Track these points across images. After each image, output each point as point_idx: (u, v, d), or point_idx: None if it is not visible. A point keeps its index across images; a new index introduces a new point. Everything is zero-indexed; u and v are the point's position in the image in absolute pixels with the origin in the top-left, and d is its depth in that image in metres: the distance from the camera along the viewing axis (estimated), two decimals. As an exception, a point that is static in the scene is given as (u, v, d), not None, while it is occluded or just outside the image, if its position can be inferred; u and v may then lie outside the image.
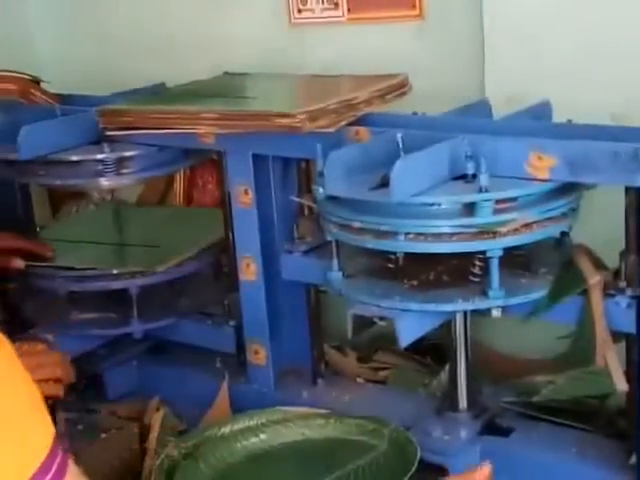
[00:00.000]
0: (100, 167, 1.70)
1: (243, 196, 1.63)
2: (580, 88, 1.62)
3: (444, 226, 1.31)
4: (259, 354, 1.68)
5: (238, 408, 1.61)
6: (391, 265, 1.44)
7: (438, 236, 1.32)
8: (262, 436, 1.46)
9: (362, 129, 1.50)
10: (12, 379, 0.88)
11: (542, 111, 1.52)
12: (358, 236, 1.37)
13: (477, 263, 1.40)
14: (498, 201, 1.29)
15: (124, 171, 1.71)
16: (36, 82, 1.93)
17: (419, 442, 1.37)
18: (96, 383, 1.78)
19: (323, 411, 1.51)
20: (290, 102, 1.77)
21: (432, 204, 1.30)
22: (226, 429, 1.46)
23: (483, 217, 1.28)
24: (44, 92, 1.91)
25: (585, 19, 1.63)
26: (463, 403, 1.51)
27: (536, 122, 1.48)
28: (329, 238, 1.45)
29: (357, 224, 1.37)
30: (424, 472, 1.34)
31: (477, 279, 1.39)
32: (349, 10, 1.96)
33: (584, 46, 1.63)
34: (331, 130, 1.49)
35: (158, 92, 1.88)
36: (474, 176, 1.31)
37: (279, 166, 1.66)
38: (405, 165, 1.27)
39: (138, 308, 1.75)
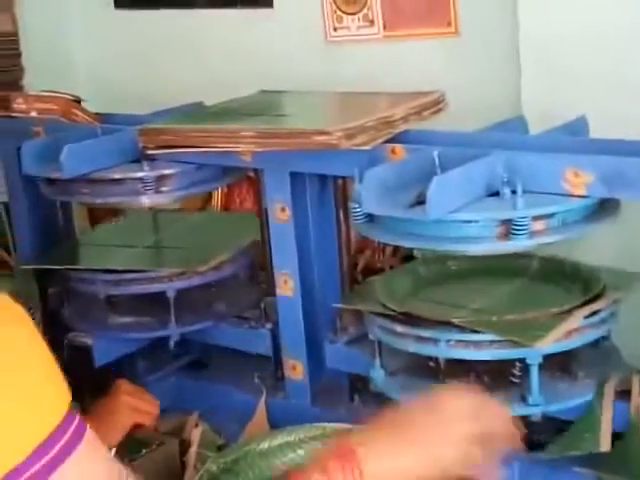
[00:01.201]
0: (140, 185, 1.72)
1: (280, 213, 1.64)
2: (615, 104, 1.62)
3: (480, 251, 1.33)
4: (297, 369, 1.69)
5: (276, 423, 1.62)
6: (432, 364, 1.47)
7: (478, 344, 1.38)
8: (300, 452, 1.47)
9: (398, 147, 1.51)
10: (32, 352, 0.95)
11: (578, 127, 1.53)
12: (400, 340, 1.43)
13: (517, 364, 1.42)
14: (535, 219, 1.30)
15: (163, 189, 1.73)
16: (77, 102, 1.96)
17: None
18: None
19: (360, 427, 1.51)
20: (327, 120, 1.78)
21: (469, 222, 1.31)
22: (264, 445, 1.47)
23: (520, 238, 1.29)
24: (85, 111, 1.94)
25: (620, 33, 1.63)
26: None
27: (572, 138, 1.48)
28: (372, 338, 1.50)
29: (399, 329, 1.42)
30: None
31: (517, 380, 1.42)
32: (385, 27, 1.98)
33: (619, 62, 1.63)
34: (368, 148, 1.50)
35: (196, 111, 1.90)
36: (513, 192, 1.32)
37: (316, 183, 1.67)
38: (442, 183, 1.28)
39: (175, 312, 1.76)
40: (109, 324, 1.81)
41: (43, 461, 0.92)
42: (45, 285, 1.91)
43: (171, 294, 1.76)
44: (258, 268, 1.88)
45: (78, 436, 0.95)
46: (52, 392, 0.96)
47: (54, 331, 1.81)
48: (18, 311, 0.97)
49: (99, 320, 1.81)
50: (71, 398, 0.97)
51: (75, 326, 1.81)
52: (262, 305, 1.79)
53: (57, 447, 0.93)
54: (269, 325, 1.76)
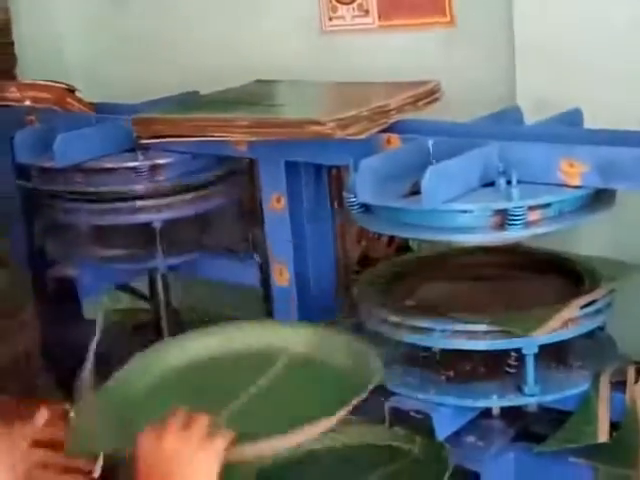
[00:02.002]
0: (133, 174, 1.72)
1: (275, 203, 1.64)
2: (610, 94, 1.62)
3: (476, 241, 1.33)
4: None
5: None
6: (427, 354, 1.47)
7: (474, 334, 1.37)
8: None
9: (393, 136, 1.50)
10: None
11: (573, 117, 1.52)
12: (395, 330, 1.43)
13: (513, 354, 1.42)
14: (531, 209, 1.30)
15: (157, 178, 1.73)
16: (71, 91, 1.96)
17: (452, 448, 1.38)
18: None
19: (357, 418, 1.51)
20: (322, 109, 1.77)
21: (464, 211, 1.31)
22: None
23: (515, 228, 1.29)
24: (79, 100, 1.94)
25: (614, 23, 1.63)
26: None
27: (567, 128, 1.48)
28: (367, 328, 1.49)
29: (394, 319, 1.42)
30: (457, 478, 1.34)
31: (513, 370, 1.42)
32: (380, 17, 1.97)
33: (613, 52, 1.63)
34: (362, 137, 1.50)
35: (190, 100, 1.89)
36: (508, 182, 1.32)
37: (311, 173, 1.67)
38: (436, 172, 1.28)
39: (163, 244, 1.74)
40: (94, 256, 1.78)
41: None
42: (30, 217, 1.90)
43: (157, 225, 1.73)
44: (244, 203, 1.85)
45: None
46: None
47: (40, 267, 1.80)
48: None
49: (85, 253, 1.79)
50: None
51: (60, 259, 1.80)
52: (250, 236, 1.77)
53: None
54: (257, 257, 1.74)
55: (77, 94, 1.97)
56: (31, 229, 1.95)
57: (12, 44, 2.42)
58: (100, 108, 1.95)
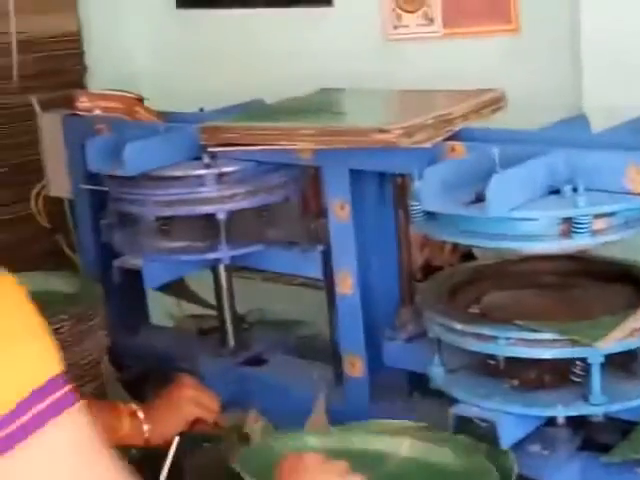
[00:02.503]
0: (201, 182, 1.74)
1: (339, 211, 1.65)
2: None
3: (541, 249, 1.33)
4: (356, 367, 1.70)
5: (334, 419, 1.63)
6: (492, 362, 1.46)
7: (539, 342, 1.37)
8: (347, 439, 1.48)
9: (458, 144, 1.51)
10: (15, 317, 0.94)
11: (640, 125, 1.51)
12: (460, 338, 1.43)
13: (578, 363, 1.41)
14: (597, 217, 1.29)
15: (223, 186, 1.75)
16: (140, 100, 1.99)
17: (517, 456, 1.37)
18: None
19: (420, 424, 1.51)
20: (386, 117, 1.78)
21: (529, 219, 1.31)
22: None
23: (581, 236, 1.28)
24: (147, 109, 1.97)
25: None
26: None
27: (634, 136, 1.46)
28: (431, 336, 1.50)
29: (459, 327, 1.42)
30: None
31: (578, 379, 1.41)
32: (444, 25, 1.97)
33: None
34: (427, 145, 1.50)
35: (256, 109, 1.91)
36: (574, 190, 1.31)
37: (375, 181, 1.68)
38: (501, 180, 1.28)
39: (226, 236, 1.76)
40: (159, 247, 1.80)
41: (14, 425, 0.90)
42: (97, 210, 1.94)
43: (221, 216, 1.74)
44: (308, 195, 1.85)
45: (64, 404, 0.93)
46: (32, 355, 0.93)
47: (106, 257, 1.86)
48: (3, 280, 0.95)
49: (149, 245, 1.80)
50: (63, 369, 0.94)
51: (125, 250, 1.82)
52: (312, 227, 1.77)
53: (30, 412, 0.91)
54: (320, 247, 1.73)
55: (145, 103, 2.01)
56: (98, 225, 1.99)
57: (82, 54, 2.48)
58: (167, 117, 1.98)
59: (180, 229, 1.82)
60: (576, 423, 1.49)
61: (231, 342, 1.93)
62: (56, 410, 0.92)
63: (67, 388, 0.94)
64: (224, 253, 1.78)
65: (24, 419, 0.90)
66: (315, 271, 1.75)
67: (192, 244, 1.81)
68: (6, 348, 0.92)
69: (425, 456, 1.43)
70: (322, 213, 1.70)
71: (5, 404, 0.90)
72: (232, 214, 1.76)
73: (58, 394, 0.93)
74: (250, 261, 1.84)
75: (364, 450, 1.46)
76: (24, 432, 0.90)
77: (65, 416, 0.93)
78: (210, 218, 1.76)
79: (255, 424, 1.65)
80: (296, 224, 1.83)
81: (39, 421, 0.91)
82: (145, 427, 1.57)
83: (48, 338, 0.96)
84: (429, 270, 1.88)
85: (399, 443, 1.46)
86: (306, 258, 1.76)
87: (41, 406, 0.91)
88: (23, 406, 0.90)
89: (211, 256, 1.80)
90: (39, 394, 0.91)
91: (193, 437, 1.59)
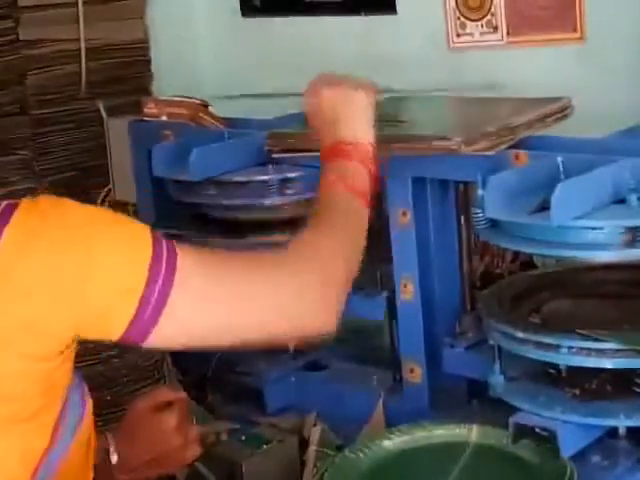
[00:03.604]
0: (264, 188, 1.76)
1: (401, 218, 1.66)
2: None
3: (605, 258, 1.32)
4: (415, 372, 1.70)
5: (393, 425, 1.64)
6: (553, 371, 1.46)
7: (601, 351, 1.36)
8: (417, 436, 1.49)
9: (522, 153, 1.50)
10: (90, 208, 1.07)
11: None
12: (521, 346, 1.43)
13: (641, 373, 1.41)
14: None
15: (287, 192, 1.77)
16: (205, 106, 2.02)
17: (577, 467, 1.36)
18: (257, 397, 1.84)
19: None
20: (450, 125, 1.79)
21: (594, 228, 1.30)
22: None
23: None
24: (212, 116, 2.00)
25: None
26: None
27: (702, 145, 1.45)
28: (491, 343, 1.50)
29: (520, 335, 1.42)
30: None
31: None
32: (508, 34, 1.97)
33: None
34: (490, 153, 1.51)
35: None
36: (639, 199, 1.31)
37: (437, 188, 1.68)
38: (566, 188, 1.28)
39: None
40: None
41: (157, 287, 1.01)
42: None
43: None
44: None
45: (172, 256, 1.04)
46: (132, 234, 1.04)
47: None
48: (50, 197, 1.05)
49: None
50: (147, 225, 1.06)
51: None
52: (378, 273, 1.79)
53: (160, 280, 1.01)
54: (385, 293, 1.74)
55: (210, 109, 2.04)
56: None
57: (149, 62, 2.52)
58: (232, 123, 2.00)
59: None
60: (638, 434, 1.47)
61: (291, 346, 1.94)
62: (172, 267, 1.03)
63: (163, 241, 1.05)
64: None
65: (157, 289, 1.01)
66: (379, 316, 1.76)
67: None
68: (112, 231, 1.03)
69: (498, 443, 1.44)
70: (387, 259, 1.71)
71: (140, 276, 1.01)
72: None
73: (165, 250, 1.04)
74: None
75: (440, 442, 1.47)
76: (162, 299, 1.01)
77: (180, 264, 1.04)
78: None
79: (314, 428, 1.66)
80: (361, 267, 1.85)
81: (167, 283, 1.02)
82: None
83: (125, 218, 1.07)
84: (489, 278, 1.88)
85: (467, 430, 1.47)
86: (371, 302, 1.76)
87: (162, 271, 1.02)
88: (151, 278, 1.01)
89: None
90: (155, 261, 1.02)
91: (251, 439, 1.60)
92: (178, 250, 1.05)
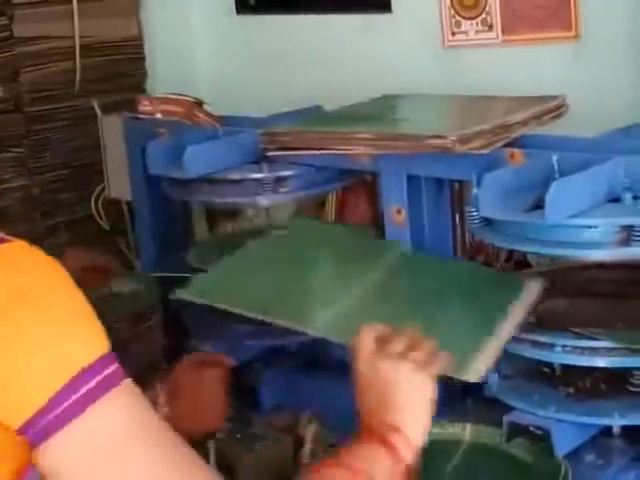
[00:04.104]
0: (258, 186, 1.76)
1: (396, 215, 1.66)
2: None
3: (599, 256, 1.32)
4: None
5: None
6: (547, 369, 1.46)
7: (595, 350, 1.36)
8: None
9: (517, 151, 1.50)
10: (58, 297, 0.95)
11: None
12: (515, 345, 1.42)
13: (635, 372, 1.40)
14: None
15: (281, 190, 1.77)
16: (199, 104, 2.02)
17: (571, 465, 1.37)
18: (251, 395, 1.84)
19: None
20: (445, 124, 1.79)
21: (589, 227, 1.30)
22: None
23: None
24: (207, 114, 2.00)
25: None
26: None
27: (697, 144, 1.45)
28: None
29: (515, 334, 1.41)
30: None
31: (635, 389, 1.40)
32: (503, 32, 1.97)
33: None
34: (485, 152, 1.51)
35: (315, 114, 1.93)
36: (635, 198, 1.30)
37: (432, 186, 1.68)
38: (561, 187, 1.28)
39: None
40: (228, 331, 1.84)
41: (66, 403, 0.91)
42: (166, 288, 1.97)
43: None
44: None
45: (111, 382, 0.93)
46: (81, 336, 0.94)
47: (174, 334, 1.87)
48: (41, 258, 0.97)
49: (218, 327, 1.85)
50: (108, 345, 0.96)
51: (194, 332, 1.85)
52: None
53: (83, 389, 0.91)
54: None
55: (205, 107, 2.04)
56: (156, 227, 2.02)
57: (143, 59, 2.51)
58: (226, 121, 2.00)
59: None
60: (632, 433, 1.48)
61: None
62: (104, 389, 0.93)
63: (114, 367, 0.95)
64: (292, 339, 1.80)
65: (74, 397, 0.91)
66: None
67: (260, 328, 1.79)
68: (56, 329, 0.93)
69: (492, 441, 1.44)
70: None
71: (55, 382, 0.91)
72: None
73: (107, 372, 0.94)
74: (315, 345, 1.82)
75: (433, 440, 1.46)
76: (76, 409, 0.91)
77: (114, 393, 0.93)
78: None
79: (308, 426, 1.66)
80: None
81: (89, 399, 0.92)
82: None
83: (91, 314, 0.97)
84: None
85: (461, 429, 1.48)
86: None
87: (91, 384, 0.92)
88: (75, 383, 0.92)
89: (278, 342, 1.83)
90: (88, 373, 0.92)
91: (248, 438, 1.60)
92: (120, 387, 0.94)
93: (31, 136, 2.33)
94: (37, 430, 0.91)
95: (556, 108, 1.65)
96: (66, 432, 0.91)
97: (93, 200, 2.39)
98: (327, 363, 1.91)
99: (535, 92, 1.73)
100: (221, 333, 1.85)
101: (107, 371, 0.94)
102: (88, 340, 0.95)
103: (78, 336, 0.95)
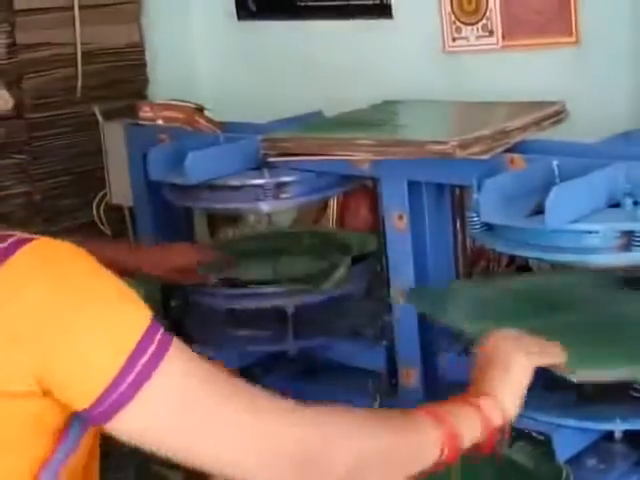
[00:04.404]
0: (259, 192, 1.76)
1: (397, 221, 1.66)
2: None
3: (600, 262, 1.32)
4: (410, 377, 1.70)
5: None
6: (549, 374, 1.44)
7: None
8: None
9: (517, 157, 1.51)
10: (98, 279, 1.02)
11: None
12: None
13: (638, 378, 1.40)
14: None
15: (282, 196, 1.77)
16: (200, 110, 2.02)
17: (572, 470, 1.37)
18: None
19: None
20: (446, 129, 1.79)
21: (589, 232, 1.30)
22: None
23: None
24: (208, 119, 2.00)
25: None
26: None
27: (697, 149, 1.45)
28: None
29: None
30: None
31: (637, 394, 1.40)
32: (504, 37, 1.97)
33: None
34: (485, 157, 1.51)
35: (316, 120, 1.93)
36: (635, 203, 1.31)
37: (433, 192, 1.68)
38: (561, 192, 1.28)
39: (293, 327, 1.81)
40: (228, 337, 1.85)
41: (130, 378, 0.97)
42: (168, 294, 1.98)
43: (290, 310, 1.80)
44: (376, 283, 1.89)
45: (164, 348, 1.00)
46: (128, 313, 1.01)
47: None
48: (70, 249, 1.02)
49: (219, 333, 1.86)
50: (150, 313, 1.02)
51: (195, 337, 1.85)
52: (378, 323, 1.80)
53: (143, 359, 0.98)
54: (385, 342, 1.77)
55: (206, 113, 2.04)
56: (158, 233, 2.03)
57: (144, 65, 2.52)
58: (227, 127, 2.00)
59: (249, 319, 1.88)
60: (634, 438, 1.48)
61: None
62: (161, 354, 0.99)
63: (161, 331, 1.01)
64: (291, 345, 1.84)
65: (136, 370, 0.98)
66: (378, 366, 1.77)
67: (259, 333, 1.88)
68: (104, 312, 0.99)
69: None
70: (387, 308, 1.73)
71: (115, 363, 0.97)
72: (299, 307, 1.82)
73: (157, 338, 1.00)
74: (315, 350, 1.88)
75: None
76: (142, 377, 0.98)
77: (170, 354, 1.00)
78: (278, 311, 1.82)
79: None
80: (362, 315, 1.88)
81: (151, 366, 0.98)
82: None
83: (132, 293, 1.03)
84: (486, 282, 1.88)
85: None
86: (370, 352, 1.78)
87: (148, 354, 0.99)
88: (132, 359, 0.98)
89: (279, 348, 1.85)
90: (143, 344, 0.99)
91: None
92: (172, 349, 1.01)
93: (33, 143, 2.34)
94: (104, 408, 0.97)
95: (556, 114, 1.65)
96: (137, 401, 0.98)
97: (95, 206, 2.39)
98: (326, 369, 1.92)
99: (535, 97, 1.73)
100: (221, 339, 1.85)
101: (157, 337, 1.00)
102: (134, 315, 1.01)
103: (125, 314, 1.01)
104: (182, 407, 1.01)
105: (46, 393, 0.99)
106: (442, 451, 1.15)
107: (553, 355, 1.30)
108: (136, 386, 0.98)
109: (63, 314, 0.97)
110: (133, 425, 1.00)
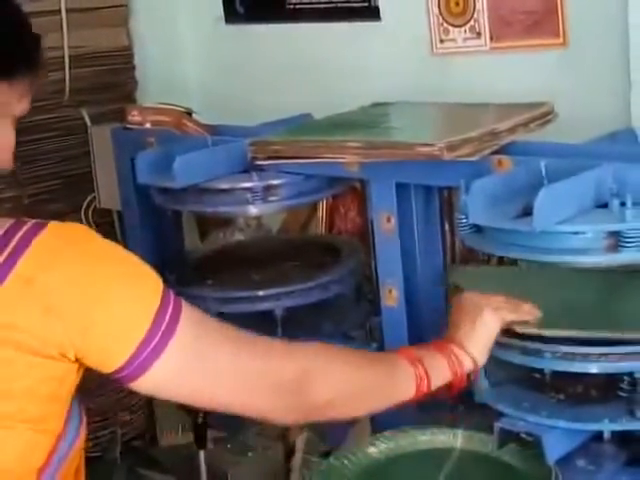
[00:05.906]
0: (248, 195, 1.76)
1: (385, 223, 1.66)
2: None
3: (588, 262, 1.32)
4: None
5: (378, 429, 1.63)
6: (538, 375, 1.46)
7: (585, 356, 1.36)
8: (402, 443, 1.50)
9: (505, 158, 1.51)
10: (116, 249, 1.12)
11: (690, 139, 1.50)
12: (505, 351, 1.43)
13: (626, 378, 1.41)
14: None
15: (271, 199, 1.77)
16: (188, 114, 2.02)
17: (562, 471, 1.37)
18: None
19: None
20: (434, 131, 1.79)
21: (577, 233, 1.30)
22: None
23: (629, 250, 1.28)
24: (196, 123, 2.00)
25: None
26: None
27: (684, 150, 1.46)
28: None
29: (505, 340, 1.42)
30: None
31: (625, 394, 1.40)
32: (492, 39, 1.98)
33: None
34: (473, 159, 1.51)
35: (305, 123, 1.93)
36: (622, 204, 1.31)
37: (421, 194, 1.69)
38: (549, 194, 1.28)
39: (282, 330, 1.80)
40: None
41: (154, 342, 1.06)
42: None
43: (279, 312, 1.80)
44: (365, 286, 1.90)
45: (178, 307, 1.10)
46: (146, 281, 1.10)
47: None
48: (81, 228, 1.12)
49: None
50: (160, 279, 1.12)
51: None
52: (367, 325, 1.81)
53: (164, 324, 1.07)
54: (374, 345, 1.77)
55: (194, 117, 2.04)
56: (146, 237, 2.02)
57: (133, 69, 2.52)
58: (215, 130, 2.00)
59: (238, 322, 1.85)
60: (623, 438, 1.48)
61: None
62: (177, 316, 1.09)
63: (172, 294, 1.12)
64: None
65: (160, 332, 1.07)
66: None
67: None
68: (126, 281, 1.09)
69: (483, 448, 1.45)
70: (377, 310, 1.74)
71: (140, 328, 1.06)
72: (288, 310, 1.82)
73: (172, 300, 1.11)
74: None
75: (425, 449, 1.48)
76: (165, 339, 1.07)
77: (184, 314, 1.11)
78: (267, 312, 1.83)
79: (299, 435, 1.66)
80: (351, 317, 1.89)
81: (171, 329, 1.08)
82: None
83: (143, 263, 1.12)
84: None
85: (453, 436, 1.48)
86: None
87: (167, 317, 1.08)
88: (155, 324, 1.07)
89: None
90: (162, 310, 1.08)
91: (239, 446, 1.60)
92: (184, 307, 1.12)
93: (21, 147, 2.33)
94: (133, 368, 1.06)
95: (544, 115, 1.66)
96: (164, 358, 1.07)
97: (83, 210, 2.39)
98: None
99: (523, 99, 1.73)
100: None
101: (172, 298, 1.11)
102: (152, 280, 1.11)
103: (146, 280, 1.11)
104: (201, 355, 1.11)
105: (77, 359, 1.07)
106: (414, 388, 1.30)
107: (524, 313, 1.39)
108: (163, 344, 1.06)
109: (94, 285, 1.05)
110: (159, 377, 1.08)
